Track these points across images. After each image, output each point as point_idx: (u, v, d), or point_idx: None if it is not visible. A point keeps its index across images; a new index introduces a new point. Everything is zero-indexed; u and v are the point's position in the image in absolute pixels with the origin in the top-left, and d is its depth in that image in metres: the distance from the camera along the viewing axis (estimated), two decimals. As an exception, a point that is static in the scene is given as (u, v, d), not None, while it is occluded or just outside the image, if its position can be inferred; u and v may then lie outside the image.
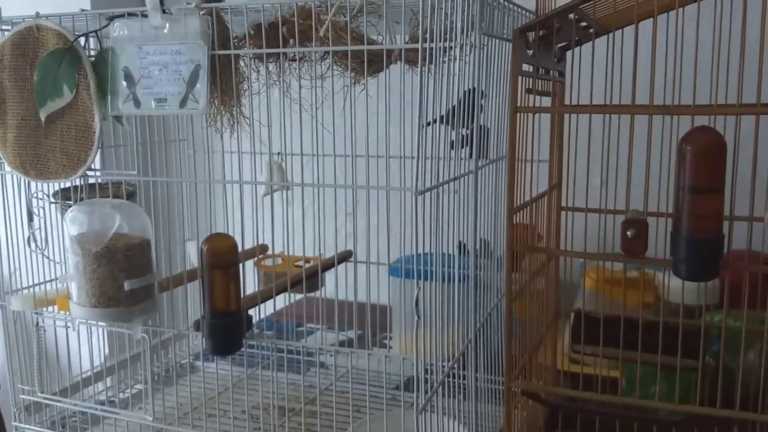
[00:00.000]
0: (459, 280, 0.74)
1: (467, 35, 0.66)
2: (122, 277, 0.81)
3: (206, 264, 0.77)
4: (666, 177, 0.70)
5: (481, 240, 0.78)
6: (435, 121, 0.75)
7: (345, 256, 1.06)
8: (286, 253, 1.04)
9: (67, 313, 0.87)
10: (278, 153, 0.98)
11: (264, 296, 0.88)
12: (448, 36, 0.65)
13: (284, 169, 1.03)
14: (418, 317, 0.63)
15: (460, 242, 0.73)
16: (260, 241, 0.98)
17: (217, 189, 0.92)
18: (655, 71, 0.66)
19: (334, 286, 0.95)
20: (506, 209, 0.73)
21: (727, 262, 0.66)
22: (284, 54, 0.78)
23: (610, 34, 0.73)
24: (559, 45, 0.86)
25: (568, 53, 0.86)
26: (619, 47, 0.70)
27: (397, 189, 0.67)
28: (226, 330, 0.79)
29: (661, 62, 0.67)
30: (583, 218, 0.78)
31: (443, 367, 0.70)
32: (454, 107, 0.68)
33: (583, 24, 0.81)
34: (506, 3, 0.77)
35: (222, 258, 0.78)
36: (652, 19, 0.68)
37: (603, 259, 0.73)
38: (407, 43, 0.71)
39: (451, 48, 0.66)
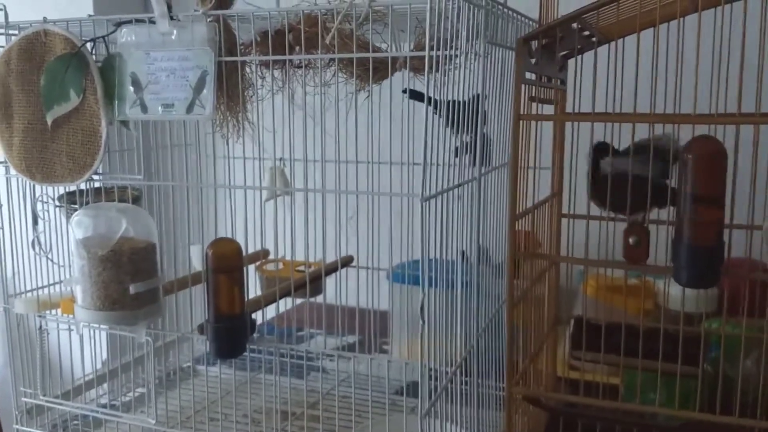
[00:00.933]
0: (459, 287, 0.74)
1: (472, 44, 0.67)
2: (127, 280, 0.82)
3: (211, 268, 0.78)
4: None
5: (480, 246, 0.78)
6: (415, 92, 0.75)
7: (346, 262, 1.06)
8: (287, 258, 1.04)
9: (71, 316, 0.88)
10: (281, 159, 0.99)
11: (267, 300, 0.88)
12: (453, 44, 0.65)
13: (287, 174, 1.04)
14: (423, 322, 0.64)
15: (462, 251, 0.74)
16: (262, 246, 0.98)
17: (220, 193, 0.93)
18: (656, 80, 0.67)
19: (334, 291, 0.96)
20: (509, 216, 0.74)
21: (728, 269, 0.66)
22: (290, 61, 0.79)
23: (612, 43, 0.74)
24: (561, 53, 0.88)
25: (570, 62, 0.87)
26: (621, 56, 0.71)
27: (404, 195, 0.68)
28: (231, 333, 0.79)
29: (663, 71, 0.68)
30: (584, 225, 0.79)
31: (446, 372, 0.70)
32: (457, 114, 0.69)
33: (586, 33, 0.82)
34: (510, 12, 0.79)
35: (227, 262, 0.78)
36: (653, 28, 0.69)
37: (604, 266, 0.74)
38: (412, 51, 0.72)
39: (455, 56, 0.66)
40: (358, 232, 0.84)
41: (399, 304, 1.15)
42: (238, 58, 0.78)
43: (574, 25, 0.74)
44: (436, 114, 0.67)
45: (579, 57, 0.78)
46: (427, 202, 0.63)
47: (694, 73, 0.66)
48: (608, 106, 0.73)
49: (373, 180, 0.75)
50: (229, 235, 0.84)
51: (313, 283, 0.98)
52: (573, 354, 0.85)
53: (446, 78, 0.65)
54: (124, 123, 0.84)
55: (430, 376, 0.68)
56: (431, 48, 0.64)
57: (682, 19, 0.68)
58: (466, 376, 0.77)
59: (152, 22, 0.78)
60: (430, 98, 0.64)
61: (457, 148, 0.71)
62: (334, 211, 0.84)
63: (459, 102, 0.68)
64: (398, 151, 0.74)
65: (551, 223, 0.92)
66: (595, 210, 0.79)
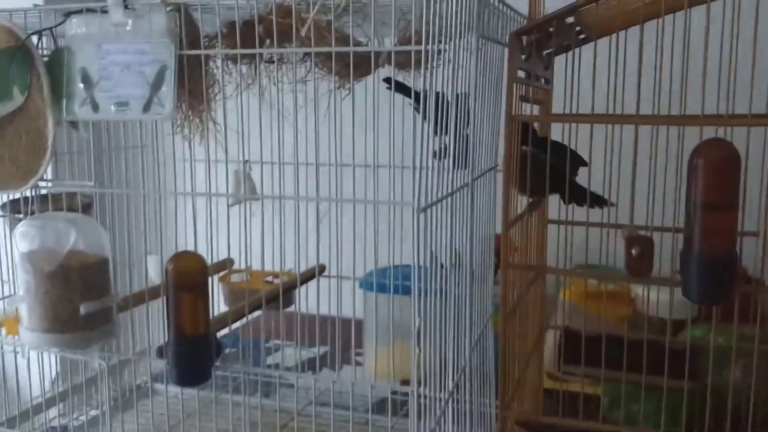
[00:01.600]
0: (437, 295, 0.68)
1: (463, 37, 0.61)
2: (77, 299, 0.74)
3: (172, 285, 0.70)
4: (662, 190, 0.67)
5: (455, 253, 0.72)
6: (400, 84, 0.70)
7: (318, 271, 1.00)
8: (254, 268, 0.97)
9: (16, 337, 0.79)
10: (246, 161, 0.92)
11: (235, 317, 0.81)
12: (443, 38, 0.59)
13: (252, 179, 0.97)
14: (419, 350, 0.57)
15: (432, 253, 0.68)
16: (228, 255, 0.91)
17: (180, 198, 0.85)
18: (661, 79, 0.62)
19: (305, 301, 0.89)
20: (502, 222, 0.68)
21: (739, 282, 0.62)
22: (260, 55, 0.72)
23: (610, 39, 0.69)
24: (546, 51, 0.82)
25: (560, 60, 0.82)
26: (619, 52, 0.66)
27: (395, 204, 0.62)
28: (194, 357, 0.72)
29: (665, 69, 0.64)
30: (569, 231, 0.74)
31: (440, 399, 0.64)
32: (444, 110, 0.63)
33: (577, 29, 0.76)
34: (501, 5, 0.73)
35: (190, 278, 0.71)
36: (654, 22, 0.64)
37: (604, 280, 0.69)
38: (396, 45, 0.65)
39: (445, 51, 0.60)
40: (339, 238, 0.77)
41: (373, 313, 1.09)
42: (202, 52, 0.71)
43: (569, 19, 0.69)
44: (417, 111, 0.61)
45: (571, 54, 0.73)
46: (423, 213, 0.57)
47: (696, 71, 0.61)
48: (607, 106, 0.67)
49: (367, 186, 0.69)
50: (190, 245, 0.76)
51: (284, 294, 0.91)
52: (565, 369, 0.80)
53: (435, 74, 0.59)
54: (73, 124, 0.76)
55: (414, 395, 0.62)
56: (419, 42, 0.58)
57: (688, 10, 0.62)
58: (456, 394, 0.72)
59: (105, 11, 0.71)
60: (417, 93, 0.58)
61: (436, 152, 0.65)
62: (305, 218, 0.78)
63: (444, 97, 0.62)
64: (382, 155, 0.67)
65: (537, 230, 0.87)
66: (581, 216, 0.74)
